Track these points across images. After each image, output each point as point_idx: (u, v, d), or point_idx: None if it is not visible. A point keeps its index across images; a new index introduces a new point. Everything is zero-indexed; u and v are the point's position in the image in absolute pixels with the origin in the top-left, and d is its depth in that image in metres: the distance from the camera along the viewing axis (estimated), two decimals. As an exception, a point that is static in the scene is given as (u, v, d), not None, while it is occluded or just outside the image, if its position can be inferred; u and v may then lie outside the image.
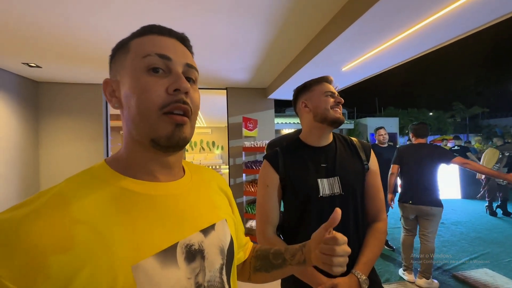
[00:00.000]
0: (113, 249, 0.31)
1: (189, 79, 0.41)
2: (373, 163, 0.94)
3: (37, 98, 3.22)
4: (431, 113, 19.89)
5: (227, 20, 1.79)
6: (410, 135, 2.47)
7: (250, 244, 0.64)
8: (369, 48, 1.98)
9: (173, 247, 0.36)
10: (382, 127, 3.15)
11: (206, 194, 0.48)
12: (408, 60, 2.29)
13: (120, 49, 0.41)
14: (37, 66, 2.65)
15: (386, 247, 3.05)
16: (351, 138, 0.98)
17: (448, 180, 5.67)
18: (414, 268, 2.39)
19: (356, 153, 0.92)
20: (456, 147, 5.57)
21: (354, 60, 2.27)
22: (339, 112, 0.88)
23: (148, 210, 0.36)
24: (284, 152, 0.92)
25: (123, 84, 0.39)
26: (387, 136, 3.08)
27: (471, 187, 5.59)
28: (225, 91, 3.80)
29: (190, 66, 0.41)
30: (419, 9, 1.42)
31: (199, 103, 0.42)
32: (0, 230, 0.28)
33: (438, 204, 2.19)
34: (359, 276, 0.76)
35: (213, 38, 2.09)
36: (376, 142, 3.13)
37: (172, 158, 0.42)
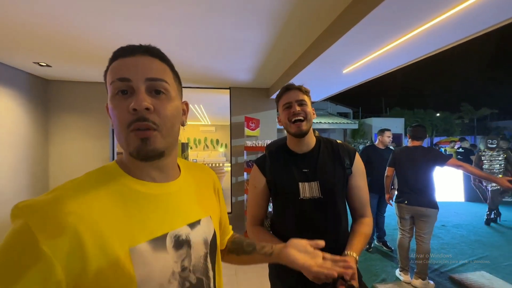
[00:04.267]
0: (114, 234, 0.38)
1: (158, 92, 0.44)
2: (357, 166, 0.98)
3: (47, 96, 3.33)
4: (438, 114, 19.60)
5: (230, 21, 1.84)
6: (407, 137, 2.48)
7: (231, 232, 0.74)
8: (372, 50, 1.99)
9: (163, 236, 0.44)
10: (389, 129, 3.14)
11: (197, 192, 0.55)
12: (411, 63, 2.30)
13: (105, 76, 0.47)
14: (47, 65, 2.75)
15: (384, 247, 3.08)
16: (338, 142, 1.03)
17: (451, 182, 5.62)
18: (411, 268, 2.42)
19: (339, 158, 0.97)
20: (460, 150, 5.52)
21: (356, 62, 2.29)
22: (295, 126, 0.93)
23: (145, 205, 0.44)
24: (272, 157, 1.01)
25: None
26: (391, 139, 3.11)
27: (475, 190, 5.52)
28: (228, 90, 3.86)
29: (152, 80, 0.43)
30: (423, 11, 1.39)
31: (171, 112, 0.45)
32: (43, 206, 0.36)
33: (434, 205, 2.21)
34: (354, 255, 0.80)
35: (216, 39, 2.14)
36: (377, 143, 3.13)
37: (160, 163, 0.48)
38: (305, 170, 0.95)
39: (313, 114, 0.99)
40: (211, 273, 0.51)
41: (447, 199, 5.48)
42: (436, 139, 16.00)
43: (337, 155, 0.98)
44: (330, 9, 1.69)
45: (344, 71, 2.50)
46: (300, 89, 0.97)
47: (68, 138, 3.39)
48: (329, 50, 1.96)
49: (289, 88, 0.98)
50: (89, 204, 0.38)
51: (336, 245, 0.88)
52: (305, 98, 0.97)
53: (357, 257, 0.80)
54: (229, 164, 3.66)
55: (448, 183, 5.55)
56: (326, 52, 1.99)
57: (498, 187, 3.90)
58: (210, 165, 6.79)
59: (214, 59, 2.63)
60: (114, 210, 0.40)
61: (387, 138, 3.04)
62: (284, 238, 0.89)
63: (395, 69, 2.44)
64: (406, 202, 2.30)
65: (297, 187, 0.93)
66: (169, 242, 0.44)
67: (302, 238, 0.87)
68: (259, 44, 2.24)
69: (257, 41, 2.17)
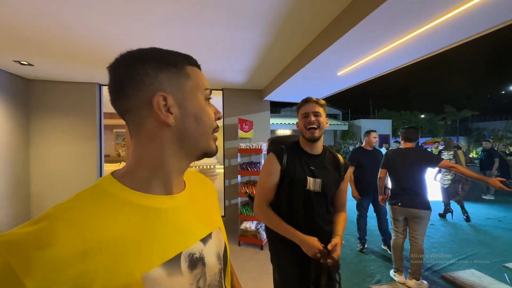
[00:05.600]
0: (122, 260, 0.34)
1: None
2: (347, 174, 1.27)
3: (28, 96, 3.15)
4: (422, 116, 20.25)
5: (225, 22, 1.80)
6: (400, 138, 2.51)
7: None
8: (365, 54, 2.01)
9: (178, 257, 0.40)
10: (375, 130, 3.20)
11: (203, 203, 0.52)
12: (404, 66, 2.34)
13: (173, 69, 0.43)
14: (29, 64, 2.60)
15: (389, 251, 3.08)
16: (338, 155, 1.28)
17: (433, 181, 5.77)
18: (405, 269, 2.44)
19: (337, 167, 1.24)
20: (445, 150, 5.70)
21: (350, 65, 2.30)
22: (310, 132, 1.17)
23: (155, 222, 0.40)
24: (288, 150, 1.22)
25: (182, 105, 0.43)
26: (377, 139, 3.16)
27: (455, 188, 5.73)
28: (220, 92, 3.80)
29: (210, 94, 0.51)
30: (414, 17, 1.45)
31: None
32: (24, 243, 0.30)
33: (427, 207, 2.24)
34: (339, 234, 1.13)
35: (210, 39, 2.09)
36: (364, 145, 3.14)
37: None
38: (312, 168, 1.17)
39: (326, 123, 1.21)
40: None
41: (433, 199, 5.63)
42: (421, 140, 16.56)
43: (337, 163, 1.24)
44: (325, 13, 1.69)
45: (338, 73, 2.51)
46: (317, 102, 1.20)
47: (51, 141, 3.21)
48: (324, 53, 1.95)
49: (308, 100, 1.21)
50: (86, 233, 0.33)
51: (328, 226, 1.19)
52: (320, 110, 1.19)
53: (341, 235, 1.13)
54: (221, 166, 3.60)
55: (434, 182, 5.70)
56: (321, 55, 1.99)
57: (450, 183, 4.43)
58: (201, 167, 6.67)
59: (207, 60, 2.57)
60: (119, 233, 0.35)
61: (374, 139, 3.09)
62: (291, 219, 1.15)
63: (391, 71, 2.47)
64: (399, 204, 2.32)
65: (306, 180, 1.15)
66: (183, 262, 0.40)
67: (308, 218, 1.14)
68: (254, 45, 2.21)
69: (252, 42, 2.13)
